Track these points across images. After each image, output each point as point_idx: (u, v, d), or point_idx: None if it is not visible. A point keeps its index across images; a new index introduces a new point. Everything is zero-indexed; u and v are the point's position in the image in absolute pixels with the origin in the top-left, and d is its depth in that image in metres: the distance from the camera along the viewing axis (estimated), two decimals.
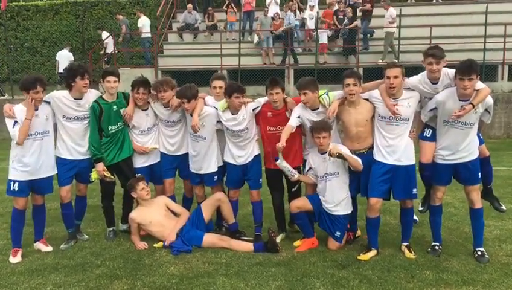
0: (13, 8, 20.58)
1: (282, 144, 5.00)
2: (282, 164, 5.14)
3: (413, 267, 4.73)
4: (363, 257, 4.98)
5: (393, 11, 15.55)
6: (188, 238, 5.36)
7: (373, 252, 5.05)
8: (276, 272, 4.68)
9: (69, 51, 17.44)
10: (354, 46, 15.98)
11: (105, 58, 17.16)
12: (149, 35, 17.31)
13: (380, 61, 15.55)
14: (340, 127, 5.40)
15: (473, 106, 4.52)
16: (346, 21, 16.27)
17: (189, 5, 18.01)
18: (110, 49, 17.42)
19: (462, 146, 4.77)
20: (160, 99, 5.52)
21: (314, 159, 5.25)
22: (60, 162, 5.35)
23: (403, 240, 5.18)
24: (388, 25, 15.50)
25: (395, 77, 4.76)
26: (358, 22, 16.29)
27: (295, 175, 5.26)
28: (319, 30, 16.07)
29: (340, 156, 4.90)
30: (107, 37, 17.40)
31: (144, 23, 17.21)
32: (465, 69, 4.46)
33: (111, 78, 5.37)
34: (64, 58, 17.04)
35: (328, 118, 5.08)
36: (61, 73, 17.07)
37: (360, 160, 5.00)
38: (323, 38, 16.03)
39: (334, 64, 15.79)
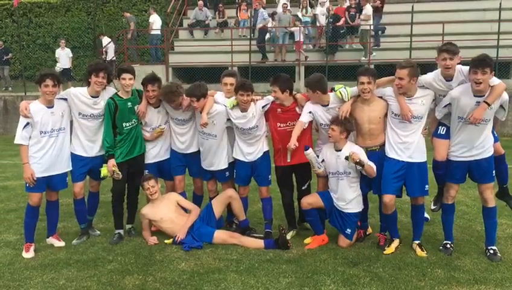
0: (25, 5, 20.78)
1: (294, 143, 5.01)
2: (311, 154, 5.12)
3: (425, 266, 4.71)
4: (389, 250, 5.01)
5: (369, 8, 15.55)
6: (199, 234, 5.38)
7: (396, 242, 5.09)
8: (286, 269, 4.69)
9: (63, 48, 17.58)
10: (337, 43, 16.11)
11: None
12: (158, 32, 17.36)
13: (363, 58, 15.60)
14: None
15: (488, 105, 4.48)
16: (329, 19, 16.28)
17: (200, 2, 18.04)
18: (111, 55, 17.46)
19: (477, 143, 4.71)
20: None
21: (328, 154, 5.21)
22: (74, 158, 5.38)
23: (415, 238, 5.15)
24: (363, 23, 15.57)
25: (400, 78, 4.72)
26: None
27: (321, 168, 5.22)
28: (294, 28, 16.05)
29: (359, 163, 4.87)
30: (108, 43, 17.45)
31: (154, 19, 17.26)
32: (479, 62, 4.42)
33: (126, 76, 5.38)
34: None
35: (341, 118, 5.05)
36: (66, 69, 17.29)
37: (374, 167, 4.96)
38: (299, 36, 15.95)
39: (344, 61, 15.73)
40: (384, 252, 5.02)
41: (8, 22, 21.10)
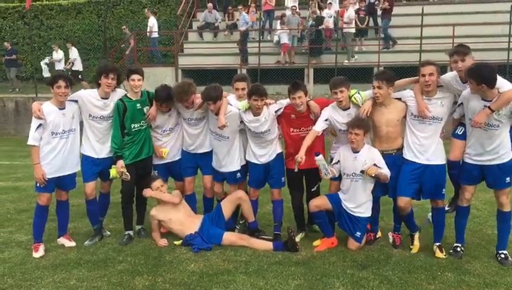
0: (37, 7, 21.05)
1: (301, 156, 5.00)
2: (322, 161, 5.09)
3: (435, 269, 4.69)
4: (415, 248, 5.14)
5: (352, 11, 15.54)
6: (208, 236, 5.40)
7: (417, 235, 5.22)
8: (295, 271, 4.69)
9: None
10: (321, 46, 16.18)
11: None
12: (156, 35, 17.49)
13: (346, 61, 15.57)
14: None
15: (492, 111, 4.46)
16: (312, 22, 16.21)
17: (210, 4, 18.14)
18: (77, 66, 17.58)
19: (489, 148, 4.66)
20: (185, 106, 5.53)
21: (345, 155, 5.17)
22: (85, 159, 5.45)
23: (435, 240, 5.10)
24: (346, 26, 15.66)
25: (430, 74, 4.73)
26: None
27: (329, 175, 5.17)
28: (280, 31, 16.09)
29: (374, 177, 4.92)
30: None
31: (153, 22, 17.30)
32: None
33: (135, 77, 5.42)
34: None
35: (361, 117, 5.03)
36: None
37: (389, 174, 4.95)
38: (284, 39, 15.99)
39: (354, 64, 15.71)
40: (412, 251, 5.07)
41: (20, 24, 21.36)
